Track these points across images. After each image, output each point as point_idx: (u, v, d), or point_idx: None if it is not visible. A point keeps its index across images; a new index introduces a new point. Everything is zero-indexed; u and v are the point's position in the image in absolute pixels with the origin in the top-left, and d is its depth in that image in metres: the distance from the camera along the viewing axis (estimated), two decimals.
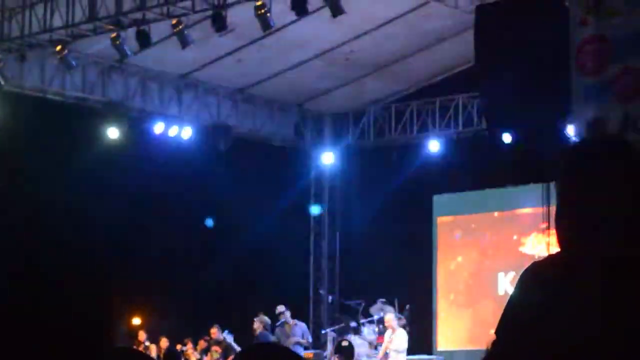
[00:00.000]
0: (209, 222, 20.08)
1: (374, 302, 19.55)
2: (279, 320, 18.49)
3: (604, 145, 3.00)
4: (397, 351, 17.32)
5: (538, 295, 2.77)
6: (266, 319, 18.47)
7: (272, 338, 18.32)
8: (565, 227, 2.82)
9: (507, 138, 18.55)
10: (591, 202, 2.78)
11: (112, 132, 18.47)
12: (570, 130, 15.61)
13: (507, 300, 2.82)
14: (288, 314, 18.26)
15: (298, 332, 18.21)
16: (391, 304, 19.33)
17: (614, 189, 2.78)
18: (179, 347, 19.99)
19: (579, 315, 2.69)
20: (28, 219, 1.94)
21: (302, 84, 20.02)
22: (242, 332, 18.94)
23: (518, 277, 2.86)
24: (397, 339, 17.43)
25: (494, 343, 2.81)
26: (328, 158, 22.27)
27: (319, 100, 21.23)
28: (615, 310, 2.67)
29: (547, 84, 14.96)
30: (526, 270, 2.85)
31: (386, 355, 17.45)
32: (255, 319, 18.45)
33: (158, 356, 19.99)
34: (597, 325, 2.66)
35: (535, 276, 2.83)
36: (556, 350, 2.67)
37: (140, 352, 3.85)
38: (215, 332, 19.34)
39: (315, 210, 22.44)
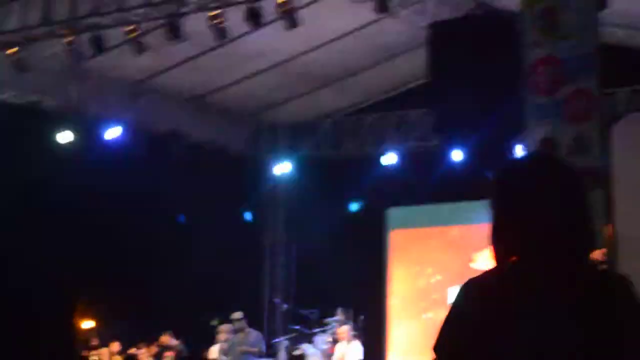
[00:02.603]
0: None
1: (331, 311, 19.58)
2: (234, 328, 18.48)
3: (532, 162, 3.07)
4: None
5: (473, 309, 2.83)
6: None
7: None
8: (498, 244, 2.88)
9: (457, 155, 18.68)
10: (520, 219, 2.84)
11: (65, 136, 18.38)
12: (520, 150, 15.71)
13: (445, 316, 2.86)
14: (244, 321, 18.25)
15: (251, 340, 18.21)
16: (346, 313, 19.39)
17: (543, 205, 2.83)
18: (132, 350, 19.94)
19: (514, 328, 2.73)
20: None
21: (257, 94, 20.01)
22: (196, 338, 18.96)
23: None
24: (352, 350, 17.49)
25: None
26: (283, 168, 22.28)
27: (274, 111, 21.23)
28: (545, 321, 2.71)
29: (498, 103, 15.04)
30: (463, 285, 2.92)
31: None
32: (221, 327, 18.56)
33: None
34: (531, 337, 2.70)
35: (471, 291, 2.89)
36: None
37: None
38: (166, 339, 19.32)
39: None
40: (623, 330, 2.69)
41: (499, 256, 2.87)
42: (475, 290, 2.88)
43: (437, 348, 2.85)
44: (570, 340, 2.68)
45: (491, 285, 2.85)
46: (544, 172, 2.90)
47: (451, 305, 2.93)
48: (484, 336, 2.75)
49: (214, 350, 18.96)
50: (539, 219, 2.81)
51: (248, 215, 21.85)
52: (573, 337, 2.69)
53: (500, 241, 2.87)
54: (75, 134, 18.43)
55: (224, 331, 18.66)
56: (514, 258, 2.84)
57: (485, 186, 2.94)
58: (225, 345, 18.44)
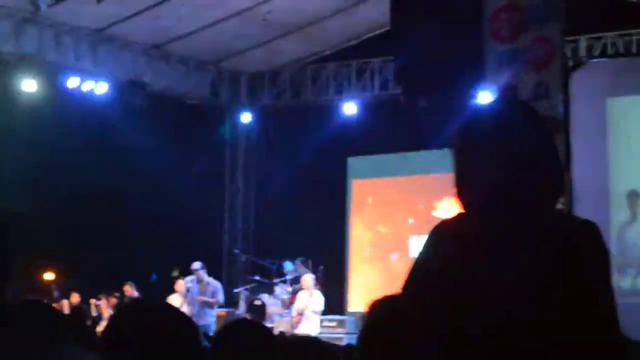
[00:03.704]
0: (154, 277, 19.97)
1: (292, 261, 19.60)
2: (193, 277, 18.44)
3: (498, 108, 3.07)
4: (314, 312, 17.42)
5: (445, 250, 2.85)
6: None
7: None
8: (464, 190, 2.90)
9: (420, 102, 18.71)
10: (490, 164, 2.85)
11: (29, 85, 18.20)
12: (483, 96, 15.82)
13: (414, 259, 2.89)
14: (203, 272, 18.21)
15: (209, 291, 18.19)
16: (306, 264, 19.43)
17: (510, 150, 2.85)
18: (92, 301, 19.90)
19: (486, 271, 2.76)
20: None
21: (218, 42, 19.87)
22: (156, 288, 18.93)
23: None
24: (314, 300, 17.51)
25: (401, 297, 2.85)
26: (244, 118, 22.23)
27: (235, 60, 21.11)
28: (520, 265, 2.74)
29: (461, 50, 15.11)
30: (434, 228, 2.94)
31: (301, 315, 17.51)
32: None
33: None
34: (504, 282, 2.73)
35: (441, 235, 2.91)
36: (461, 302, 2.74)
37: (46, 304, 3.84)
38: (128, 289, 19.29)
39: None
40: (587, 280, 2.72)
41: (465, 202, 2.89)
42: (443, 235, 2.90)
43: (405, 287, 2.85)
44: (532, 284, 2.72)
45: (459, 230, 2.87)
46: (510, 117, 2.90)
47: (420, 249, 2.93)
48: (450, 280, 2.77)
49: (172, 300, 18.96)
50: (506, 164, 2.82)
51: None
52: (535, 281, 2.72)
53: (466, 187, 2.89)
54: (38, 83, 18.24)
55: (182, 283, 18.64)
56: (479, 203, 2.86)
57: (451, 134, 2.94)
58: (183, 297, 18.43)
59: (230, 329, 3.21)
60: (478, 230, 2.83)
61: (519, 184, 2.82)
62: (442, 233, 2.91)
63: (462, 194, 2.90)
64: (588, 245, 2.76)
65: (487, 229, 2.82)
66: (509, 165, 2.83)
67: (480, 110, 3.22)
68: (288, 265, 19.57)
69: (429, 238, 2.93)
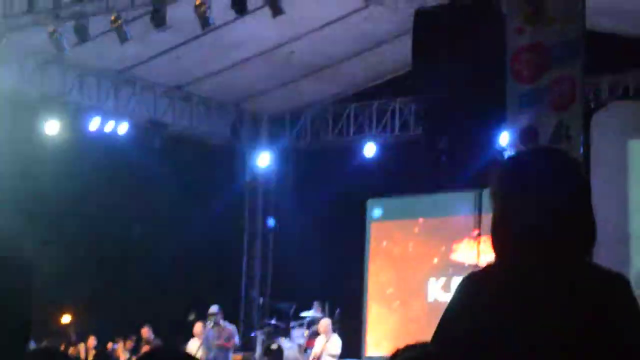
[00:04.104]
0: (271, 222, 20.24)
1: (307, 305, 19.55)
2: (210, 322, 18.37)
3: (538, 154, 3.06)
4: (332, 356, 17.36)
5: (475, 302, 2.83)
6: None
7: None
8: (501, 237, 2.87)
9: (441, 144, 18.69)
10: (527, 212, 2.83)
11: (52, 127, 18.32)
12: (504, 138, 15.79)
13: (438, 307, 2.85)
14: (220, 316, 18.16)
15: (226, 334, 18.14)
16: (323, 307, 19.36)
17: (546, 199, 2.83)
18: (110, 345, 19.83)
19: (518, 322, 2.74)
20: None
21: (240, 83, 19.98)
22: (173, 332, 18.85)
23: (449, 283, 2.91)
24: (332, 343, 17.47)
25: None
26: (264, 159, 22.25)
27: (256, 101, 21.21)
28: (551, 318, 2.72)
29: (482, 91, 15.11)
30: (463, 279, 2.92)
31: (319, 358, 17.46)
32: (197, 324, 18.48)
33: (86, 355, 19.80)
34: (535, 334, 2.71)
35: (473, 284, 2.89)
36: (491, 355, 2.71)
37: (63, 353, 3.81)
38: (146, 331, 19.21)
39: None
40: (619, 334, 2.70)
41: (498, 249, 2.88)
42: (475, 284, 2.89)
43: (434, 338, 2.84)
44: (564, 343, 2.70)
45: (490, 281, 2.86)
46: (549, 166, 2.90)
47: (451, 298, 2.93)
48: (479, 332, 2.76)
49: (191, 346, 18.86)
50: (542, 212, 2.82)
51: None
52: (567, 340, 2.70)
53: (501, 233, 2.87)
54: (61, 124, 18.36)
55: (200, 327, 18.56)
56: (513, 251, 2.84)
57: (471, 176, 2.97)
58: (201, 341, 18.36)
59: None
60: (509, 281, 2.81)
61: (556, 233, 2.81)
62: (472, 284, 2.90)
63: (498, 239, 2.88)
64: (620, 301, 2.75)
65: (518, 280, 2.80)
66: (549, 213, 2.82)
67: (523, 157, 3.20)
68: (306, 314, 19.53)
69: (459, 288, 2.92)
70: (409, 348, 2.53)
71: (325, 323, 17.75)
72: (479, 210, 16.99)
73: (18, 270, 1.75)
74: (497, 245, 2.87)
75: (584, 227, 2.85)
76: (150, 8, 15.57)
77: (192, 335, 18.46)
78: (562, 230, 2.81)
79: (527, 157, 3.08)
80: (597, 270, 2.85)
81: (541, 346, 2.70)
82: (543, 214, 2.81)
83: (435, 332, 2.86)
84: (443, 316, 2.88)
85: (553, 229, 2.80)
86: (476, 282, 2.89)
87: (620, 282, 2.78)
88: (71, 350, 19.29)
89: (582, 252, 2.84)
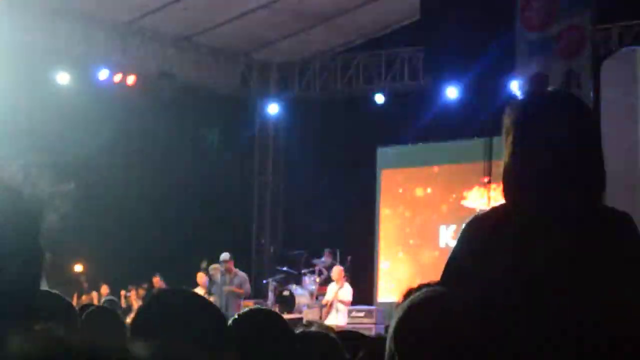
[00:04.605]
0: None
1: (318, 252, 19.62)
2: (221, 268, 18.46)
3: (552, 98, 3.03)
4: (344, 302, 17.50)
5: (480, 245, 2.82)
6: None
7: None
8: (512, 181, 2.86)
9: (451, 92, 18.67)
10: (538, 156, 2.82)
11: (62, 78, 18.30)
12: (514, 85, 15.75)
13: (449, 252, 2.86)
14: (231, 263, 18.24)
15: (236, 282, 18.23)
16: (334, 254, 19.43)
17: (563, 144, 2.82)
18: (122, 293, 19.97)
19: (521, 264, 2.73)
20: None
21: (248, 33, 19.87)
22: (184, 278, 18.96)
23: (460, 230, 2.90)
24: (343, 291, 17.58)
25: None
26: (273, 109, 22.23)
27: (265, 50, 21.13)
28: (559, 259, 2.72)
29: (491, 38, 15.04)
30: (468, 222, 2.91)
31: (330, 306, 17.57)
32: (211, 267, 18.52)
33: (99, 303, 19.95)
34: (543, 274, 2.71)
35: (478, 227, 2.88)
36: (497, 298, 2.69)
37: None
38: (157, 280, 19.33)
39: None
40: (624, 267, 2.71)
41: (509, 193, 2.86)
42: (479, 227, 2.88)
43: (440, 282, 2.81)
44: (572, 284, 2.70)
45: (496, 223, 2.85)
46: (563, 110, 2.88)
47: (456, 241, 2.92)
48: (484, 271, 2.74)
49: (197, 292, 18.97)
50: (554, 157, 2.81)
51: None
52: (575, 281, 2.70)
53: (512, 179, 2.85)
54: (71, 75, 18.35)
55: (203, 276, 18.65)
56: (522, 197, 2.83)
57: (481, 123, 2.94)
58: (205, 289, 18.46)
59: (246, 316, 3.30)
60: (518, 223, 2.80)
61: (567, 177, 2.81)
62: (477, 227, 2.88)
63: (509, 183, 2.87)
64: (629, 238, 2.75)
65: (527, 222, 2.79)
66: (561, 157, 2.81)
67: (536, 100, 3.17)
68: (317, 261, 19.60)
69: (463, 232, 2.90)
70: (421, 287, 2.55)
71: (337, 270, 17.85)
72: (489, 157, 16.98)
73: (29, 202, 1.79)
74: (507, 190, 2.87)
75: (595, 173, 2.84)
76: None
77: (196, 285, 18.57)
78: (573, 176, 2.80)
79: (541, 101, 3.04)
80: (605, 211, 2.85)
81: (549, 287, 2.70)
82: (555, 158, 2.80)
83: (443, 274, 2.85)
84: (447, 262, 2.86)
85: (565, 174, 2.80)
86: (481, 224, 2.88)
87: (628, 221, 2.78)
88: (84, 298, 19.44)
89: (592, 198, 2.84)
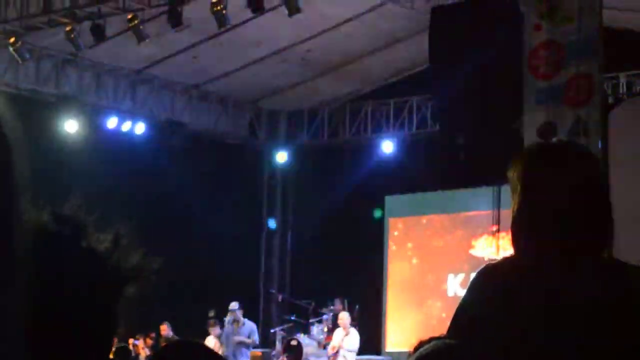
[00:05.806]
0: (272, 224, 20.25)
1: (325, 302, 19.54)
2: (229, 317, 18.41)
3: (559, 149, 3.03)
4: (350, 350, 17.39)
5: (490, 296, 2.80)
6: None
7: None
8: (519, 230, 2.85)
9: (459, 140, 18.66)
10: (547, 206, 2.81)
11: (70, 126, 18.37)
12: (521, 134, 15.72)
13: (458, 302, 2.84)
14: (239, 312, 18.19)
15: (245, 331, 18.17)
16: (343, 304, 19.36)
17: (571, 193, 2.81)
18: (131, 341, 19.89)
19: (531, 317, 2.72)
20: None
21: (257, 82, 19.97)
22: (192, 329, 18.88)
23: (468, 279, 2.89)
24: (350, 338, 17.49)
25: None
26: (281, 157, 22.27)
27: (273, 99, 21.22)
28: (566, 312, 2.70)
29: (499, 87, 15.06)
30: (479, 272, 2.88)
31: (336, 354, 17.47)
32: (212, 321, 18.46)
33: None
34: (554, 326, 2.70)
35: (488, 278, 2.86)
36: (507, 351, 2.69)
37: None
38: (165, 328, 19.26)
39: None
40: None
41: (517, 243, 2.85)
42: (490, 278, 2.86)
43: (449, 332, 2.77)
44: (586, 336, 2.68)
45: (506, 274, 2.83)
46: (571, 160, 2.88)
47: (466, 291, 2.90)
48: (494, 323, 2.73)
49: (207, 342, 18.90)
50: (563, 205, 2.79)
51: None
52: (589, 334, 2.68)
53: (520, 228, 2.85)
54: (79, 123, 18.40)
55: (216, 324, 18.59)
56: (532, 245, 2.82)
57: (489, 172, 2.94)
58: (217, 339, 18.40)
59: None
60: (528, 272, 2.79)
61: (576, 227, 2.79)
62: (490, 276, 2.86)
63: (518, 231, 2.85)
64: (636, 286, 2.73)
65: (536, 271, 2.78)
66: (570, 206, 2.80)
67: (545, 150, 3.17)
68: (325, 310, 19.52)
69: (474, 282, 2.88)
70: (431, 340, 2.53)
71: (344, 317, 17.80)
72: (498, 205, 16.96)
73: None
74: (516, 238, 2.85)
75: (603, 223, 2.83)
76: (167, 8, 15.60)
77: (208, 334, 18.51)
78: (581, 225, 2.78)
79: (550, 150, 3.04)
80: (619, 265, 2.84)
81: (562, 340, 2.68)
82: (563, 207, 2.79)
83: (451, 325, 2.83)
84: (456, 312, 2.84)
85: (573, 224, 2.78)
86: (493, 274, 2.86)
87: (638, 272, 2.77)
88: None
89: (601, 247, 2.82)
